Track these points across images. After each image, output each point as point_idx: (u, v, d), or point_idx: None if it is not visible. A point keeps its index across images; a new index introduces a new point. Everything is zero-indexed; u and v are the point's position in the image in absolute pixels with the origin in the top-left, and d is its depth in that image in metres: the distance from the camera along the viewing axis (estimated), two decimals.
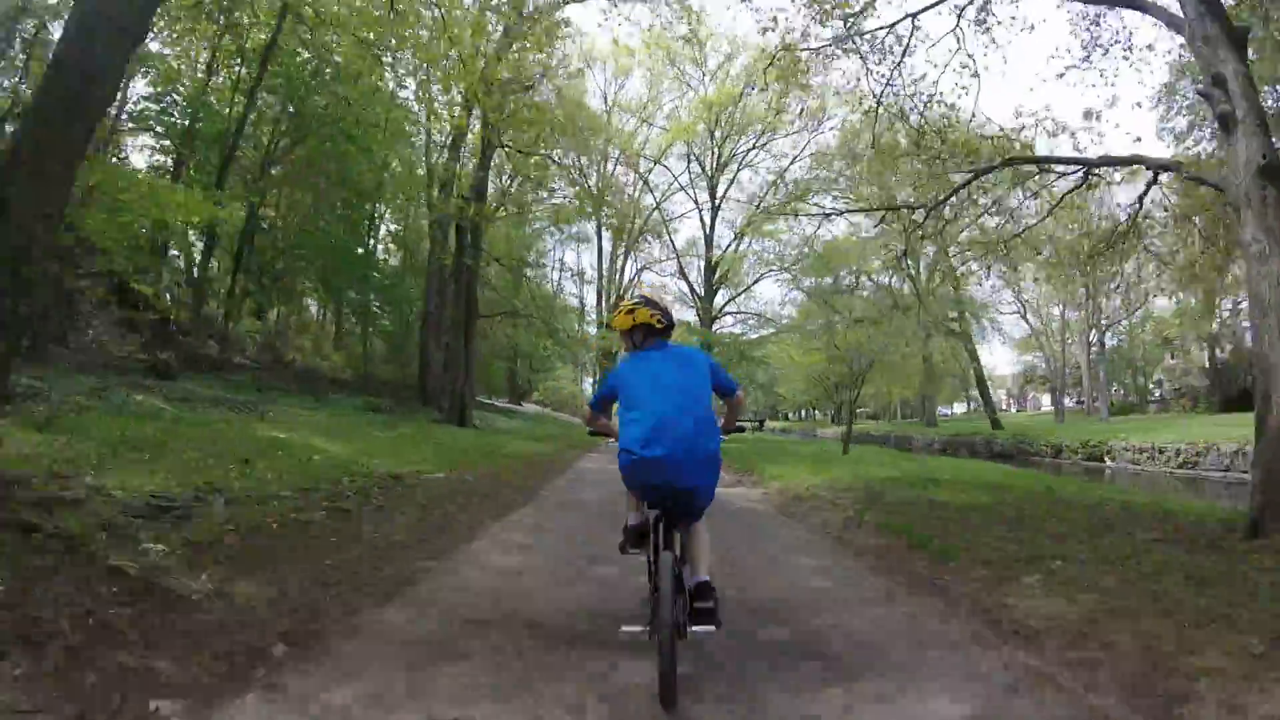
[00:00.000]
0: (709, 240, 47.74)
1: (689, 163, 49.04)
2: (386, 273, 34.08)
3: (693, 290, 47.86)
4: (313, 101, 23.04)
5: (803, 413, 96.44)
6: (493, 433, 21.59)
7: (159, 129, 22.17)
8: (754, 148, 48.08)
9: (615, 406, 4.08)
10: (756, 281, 47.59)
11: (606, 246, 52.96)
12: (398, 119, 26.57)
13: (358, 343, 35.77)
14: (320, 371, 29.08)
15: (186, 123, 22.00)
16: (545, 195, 27.07)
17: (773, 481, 13.97)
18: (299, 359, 30.18)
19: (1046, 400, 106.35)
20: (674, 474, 3.51)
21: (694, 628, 3.40)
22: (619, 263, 52.32)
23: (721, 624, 3.48)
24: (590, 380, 52.28)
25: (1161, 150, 27.39)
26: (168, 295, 22.78)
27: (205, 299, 25.04)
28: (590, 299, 54.19)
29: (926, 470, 15.42)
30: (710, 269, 47.06)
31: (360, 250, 30.97)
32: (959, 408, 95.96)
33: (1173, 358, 73.90)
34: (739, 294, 47.16)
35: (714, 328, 47.27)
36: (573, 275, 53.69)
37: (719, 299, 47.15)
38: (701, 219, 48.62)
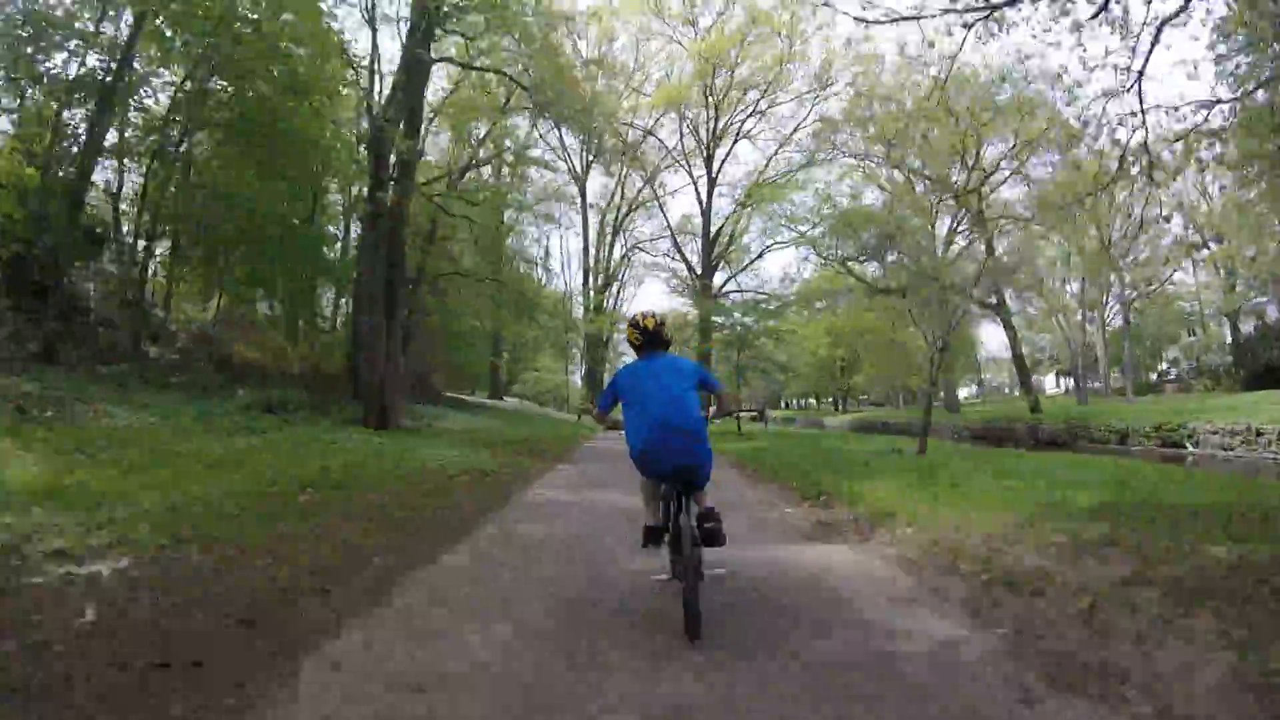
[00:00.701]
0: (707, 214, 41.90)
1: (681, 136, 43.15)
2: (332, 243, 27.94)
3: (689, 269, 42.11)
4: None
5: (800, 402, 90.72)
6: (423, 438, 15.22)
7: None
8: (753, 113, 42.23)
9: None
10: (761, 255, 41.87)
11: (594, 223, 47.06)
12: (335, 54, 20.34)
13: (315, 333, 30.00)
14: (257, 365, 23.40)
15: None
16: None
17: (892, 524, 6.55)
18: (239, 352, 24.87)
19: (1049, 382, 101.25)
20: (680, 457, 4.09)
21: (705, 547, 3.90)
22: (607, 240, 46.43)
23: (725, 540, 4.11)
24: (579, 371, 46.57)
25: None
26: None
27: (140, 285, 20.30)
28: (576, 281, 48.52)
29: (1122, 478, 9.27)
30: (709, 243, 41.23)
31: (298, 221, 24.75)
32: (961, 391, 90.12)
33: (1190, 334, 69.25)
34: (744, 268, 41.44)
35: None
36: (543, 261, 47.63)
37: (718, 279, 41.59)
38: (698, 193, 42.82)
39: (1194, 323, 67.30)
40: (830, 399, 79.41)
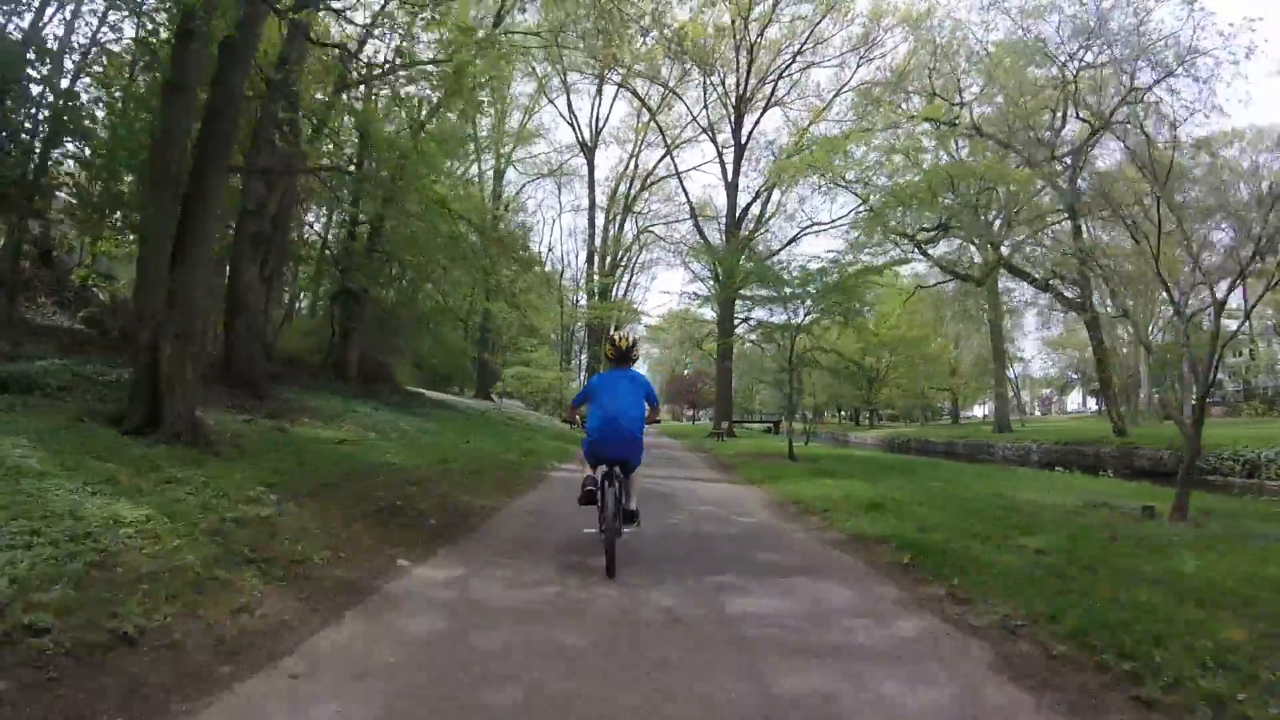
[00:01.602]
0: (733, 188, 34.25)
1: (705, 99, 35.59)
2: None
3: (709, 247, 34.43)
4: None
5: (808, 414, 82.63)
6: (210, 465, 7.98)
7: None
8: (785, 74, 34.63)
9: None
10: (796, 239, 34.14)
11: (601, 202, 39.36)
12: None
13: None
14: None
15: None
16: None
17: None
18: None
19: (1071, 402, 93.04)
20: (620, 449, 5.45)
21: (625, 528, 5.33)
22: (615, 219, 38.75)
23: (640, 523, 5.62)
24: (578, 366, 38.87)
25: None
26: None
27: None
28: (573, 260, 41.00)
29: None
30: (734, 222, 33.57)
31: None
32: (976, 410, 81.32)
33: (1235, 354, 61.75)
34: (775, 253, 33.70)
35: (736, 309, 33.94)
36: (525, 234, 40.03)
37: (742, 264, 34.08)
38: (723, 164, 35.19)
39: (1238, 342, 59.52)
40: (844, 412, 71.28)
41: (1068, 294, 29.58)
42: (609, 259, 37.54)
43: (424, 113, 20.82)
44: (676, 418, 77.32)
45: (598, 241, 37.37)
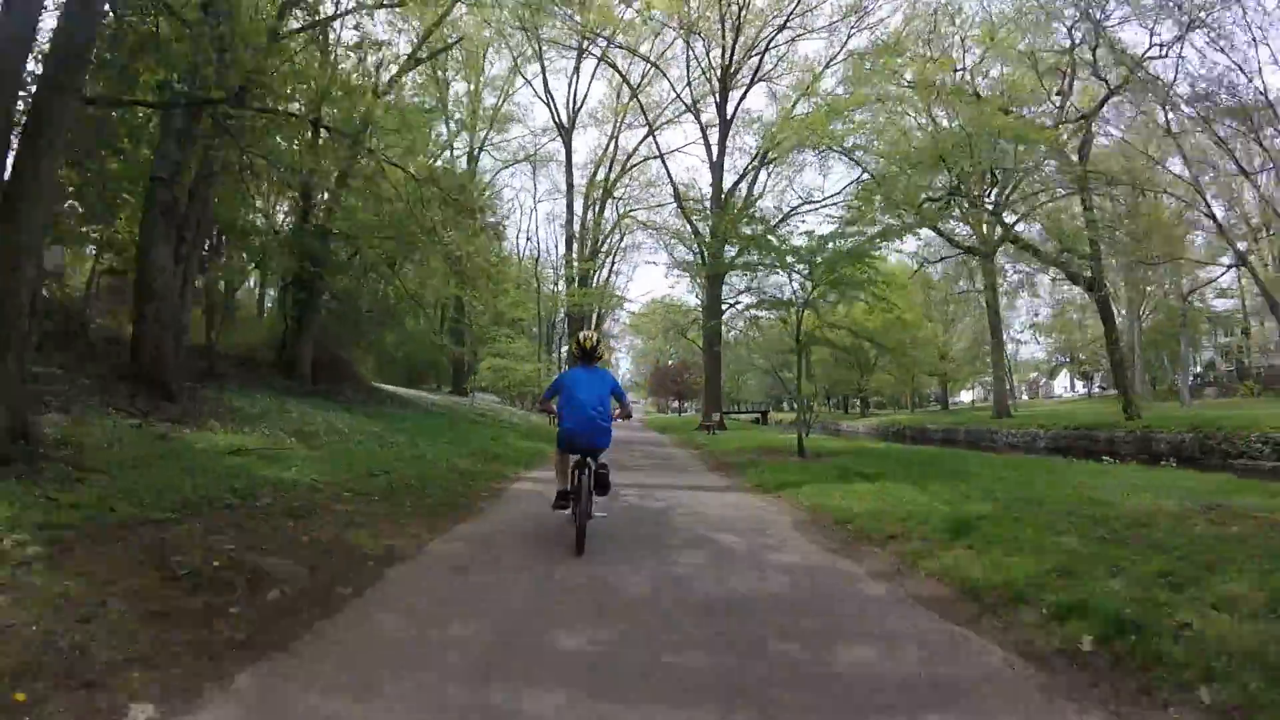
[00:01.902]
0: (719, 168, 31.81)
1: (689, 74, 33.16)
2: None
3: (696, 233, 32.02)
4: None
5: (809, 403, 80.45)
6: None
7: None
8: (771, 46, 32.22)
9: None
10: (786, 218, 31.62)
11: (580, 185, 36.82)
12: None
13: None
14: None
15: None
16: None
17: None
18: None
19: (1058, 386, 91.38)
20: (588, 440, 5.69)
21: (595, 496, 5.64)
22: (594, 204, 36.20)
23: (609, 490, 5.97)
24: (558, 357, 36.32)
25: None
26: None
27: None
28: (551, 249, 38.46)
29: None
30: (721, 202, 31.17)
31: None
32: (964, 395, 79.36)
33: (1230, 334, 60.52)
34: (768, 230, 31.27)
35: (726, 291, 31.58)
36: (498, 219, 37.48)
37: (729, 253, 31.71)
38: (707, 143, 32.74)
39: (1226, 321, 58.10)
40: (831, 400, 69.16)
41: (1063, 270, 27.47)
42: (589, 245, 35.01)
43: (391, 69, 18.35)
44: (662, 410, 74.94)
45: (577, 227, 34.80)
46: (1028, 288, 48.83)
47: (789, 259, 14.17)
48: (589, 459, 5.63)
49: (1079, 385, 78.80)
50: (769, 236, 15.89)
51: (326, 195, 19.17)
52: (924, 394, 70.88)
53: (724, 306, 30.31)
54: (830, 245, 14.14)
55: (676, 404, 68.45)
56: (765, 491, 9.25)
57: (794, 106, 30.20)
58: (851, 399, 67.08)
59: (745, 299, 34.69)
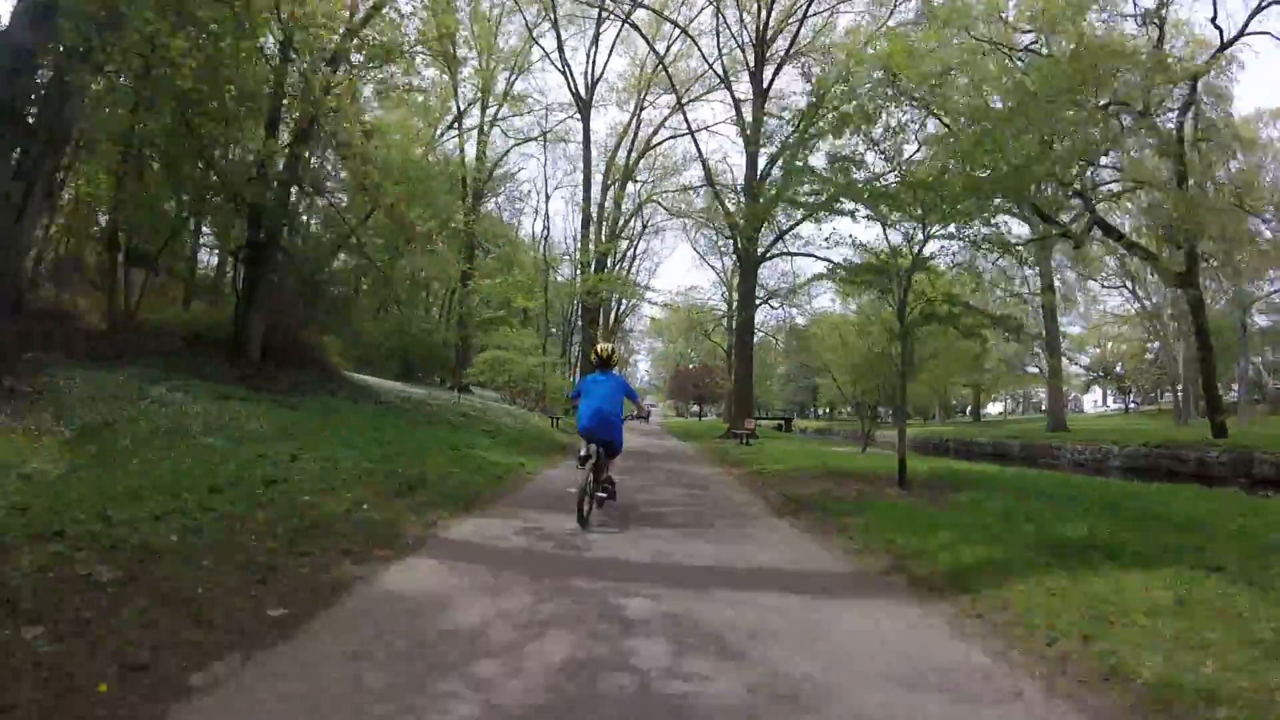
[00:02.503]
0: (753, 143, 27.39)
1: (719, 41, 28.88)
2: None
3: (728, 214, 27.63)
4: None
5: (819, 412, 75.25)
6: None
7: None
8: (811, 13, 27.91)
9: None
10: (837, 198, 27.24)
11: (598, 164, 32.51)
12: None
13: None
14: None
15: None
16: None
17: None
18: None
19: (1089, 401, 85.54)
20: (600, 433, 6.68)
21: (600, 494, 6.80)
22: (614, 184, 31.84)
23: (614, 496, 7.30)
24: (571, 353, 31.94)
25: None
26: None
27: None
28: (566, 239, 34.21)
29: None
30: (757, 176, 26.85)
31: None
32: (993, 407, 74.06)
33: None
34: (809, 214, 26.93)
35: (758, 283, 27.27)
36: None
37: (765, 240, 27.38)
38: (740, 120, 28.33)
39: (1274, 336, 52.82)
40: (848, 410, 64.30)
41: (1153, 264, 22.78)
42: (608, 229, 30.73)
43: None
44: (680, 414, 70.43)
45: (595, 210, 30.50)
46: (1082, 289, 43.82)
47: (900, 195, 9.68)
48: (601, 449, 6.61)
49: (1111, 400, 73.40)
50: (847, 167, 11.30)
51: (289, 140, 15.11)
52: (948, 405, 65.78)
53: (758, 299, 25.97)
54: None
55: (697, 408, 63.88)
56: (934, 593, 4.37)
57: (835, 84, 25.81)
58: (879, 408, 62.22)
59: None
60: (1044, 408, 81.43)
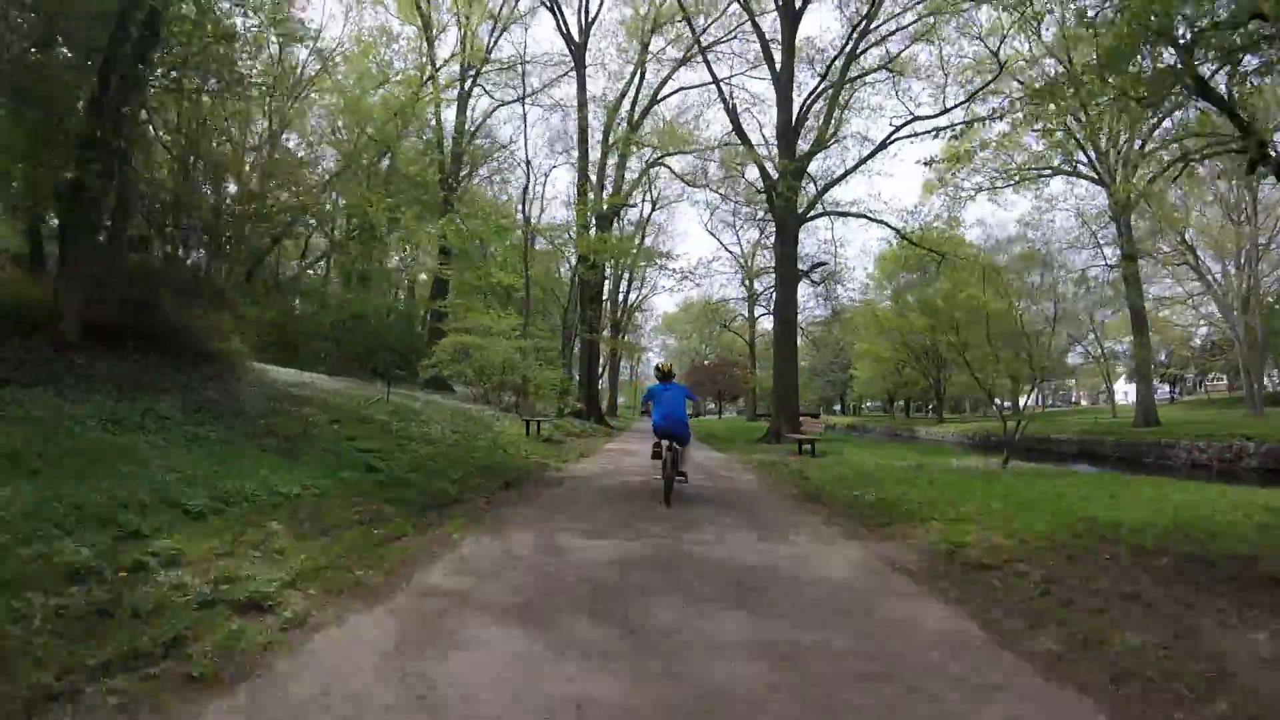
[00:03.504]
0: (785, 83, 21.12)
1: None
2: None
3: (763, 174, 21.26)
4: None
5: (853, 407, 68.39)
6: None
7: None
8: None
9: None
10: (884, 145, 20.70)
11: (596, 125, 26.19)
12: None
13: None
14: None
15: None
16: None
17: None
18: None
19: (1119, 392, 77.84)
20: (670, 430, 7.47)
21: (677, 479, 7.48)
22: (615, 147, 25.42)
23: (687, 479, 8.07)
24: (569, 344, 25.48)
25: None
26: None
27: None
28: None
29: None
30: (791, 125, 20.65)
31: None
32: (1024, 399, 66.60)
33: None
34: (854, 169, 20.75)
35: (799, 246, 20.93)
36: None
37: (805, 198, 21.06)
38: (768, 53, 21.96)
39: None
40: (898, 403, 57.53)
41: None
42: (608, 194, 24.44)
43: None
44: (698, 412, 63.97)
45: (594, 175, 24.24)
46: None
47: None
48: (674, 443, 7.43)
49: (1129, 391, 65.80)
50: None
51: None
52: (975, 399, 58.90)
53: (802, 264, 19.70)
54: None
55: (715, 405, 57.37)
56: None
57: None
58: (912, 403, 55.57)
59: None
60: (1071, 398, 74.22)
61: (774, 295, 25.54)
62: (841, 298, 29.77)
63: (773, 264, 31.67)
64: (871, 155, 21.34)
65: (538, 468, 9.35)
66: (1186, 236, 36.52)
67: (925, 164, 16.48)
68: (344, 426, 9.07)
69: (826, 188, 21.83)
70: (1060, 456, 25.29)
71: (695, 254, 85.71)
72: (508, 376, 17.10)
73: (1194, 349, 56.08)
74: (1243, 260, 37.47)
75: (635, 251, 25.40)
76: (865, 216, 22.75)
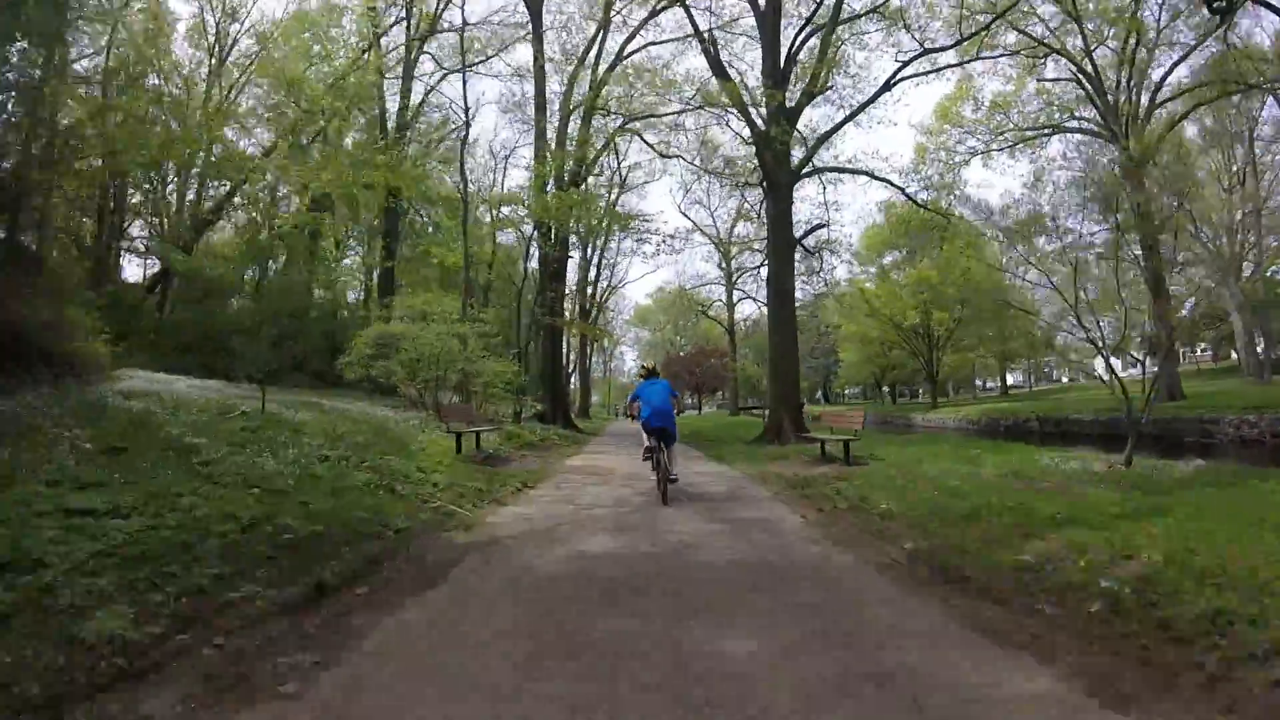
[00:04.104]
0: (772, 19, 17.50)
1: None
2: None
3: (751, 125, 17.60)
4: None
5: (839, 394, 65.21)
6: None
7: None
8: None
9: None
10: (889, 87, 17.07)
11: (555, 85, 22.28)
12: None
13: None
14: None
15: None
16: None
17: None
18: None
19: (1116, 366, 75.30)
20: (659, 425, 7.60)
21: (670, 484, 7.34)
22: (575, 107, 21.51)
23: (677, 481, 7.58)
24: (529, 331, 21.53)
25: None
26: None
27: None
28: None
29: None
30: (777, 72, 17.05)
31: None
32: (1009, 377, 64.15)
33: None
34: (853, 116, 17.24)
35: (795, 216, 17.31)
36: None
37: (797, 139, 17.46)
38: None
39: None
40: (884, 388, 54.34)
41: None
42: (569, 160, 20.57)
43: None
44: (679, 409, 59.63)
45: (553, 132, 20.36)
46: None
47: None
48: (663, 441, 7.55)
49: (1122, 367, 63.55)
50: None
51: None
52: (961, 379, 55.98)
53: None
54: None
55: (694, 398, 53.69)
56: None
57: None
58: (897, 387, 52.48)
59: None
60: (1053, 377, 71.73)
61: (762, 269, 22.02)
62: (837, 272, 26.18)
63: (753, 238, 28.23)
64: (876, 97, 17.81)
65: (429, 525, 5.44)
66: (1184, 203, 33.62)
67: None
68: (123, 456, 5.32)
69: (824, 137, 18.29)
70: (1084, 439, 22.14)
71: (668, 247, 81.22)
72: (445, 370, 13.20)
73: (1182, 319, 53.54)
74: (1235, 228, 35.07)
75: (604, 211, 21.38)
76: (867, 174, 19.32)
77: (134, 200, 20.45)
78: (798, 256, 19.40)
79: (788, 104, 17.06)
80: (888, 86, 17.73)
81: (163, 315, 18.32)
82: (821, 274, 22.44)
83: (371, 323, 16.17)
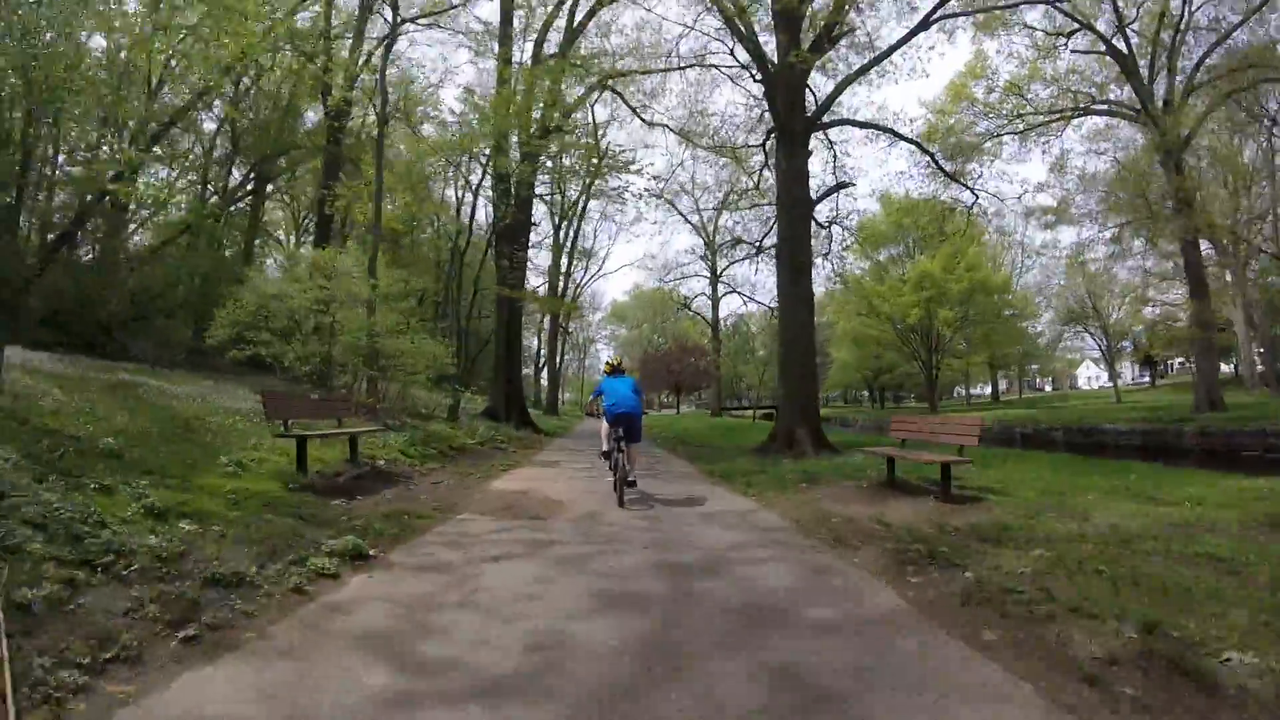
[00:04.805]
0: None
1: None
2: None
3: (761, 64, 13.96)
4: None
5: (829, 397, 61.38)
6: None
7: None
8: None
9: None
10: (914, 34, 13.54)
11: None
12: None
13: None
14: None
15: None
16: None
17: None
18: None
19: (1083, 377, 73.16)
20: (625, 411, 7.23)
21: (626, 488, 6.91)
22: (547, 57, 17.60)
23: (636, 484, 7.28)
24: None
25: None
26: None
27: None
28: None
29: None
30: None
31: None
32: (988, 387, 61.09)
33: None
34: (876, 61, 13.68)
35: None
36: None
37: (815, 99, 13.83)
38: None
39: None
40: (876, 392, 50.91)
41: None
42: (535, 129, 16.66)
43: None
44: (648, 405, 55.60)
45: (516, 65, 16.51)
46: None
47: None
48: (626, 436, 7.16)
49: (1124, 374, 60.70)
50: None
51: None
52: (948, 384, 52.81)
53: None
54: None
55: (674, 397, 49.83)
56: None
57: None
58: (886, 391, 49.24)
59: None
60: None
61: (747, 264, 18.61)
62: (835, 270, 22.47)
63: (746, 208, 24.53)
64: (912, 36, 14.18)
65: None
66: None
67: None
68: None
69: (858, 73, 14.54)
70: (1115, 451, 18.91)
71: (648, 231, 76.40)
72: (326, 348, 9.26)
73: (1173, 329, 50.90)
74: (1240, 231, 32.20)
75: (584, 149, 17.08)
76: (891, 131, 15.95)
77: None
78: (816, 226, 15.94)
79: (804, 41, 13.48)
80: (924, 25, 14.20)
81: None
82: (830, 257, 18.71)
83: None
